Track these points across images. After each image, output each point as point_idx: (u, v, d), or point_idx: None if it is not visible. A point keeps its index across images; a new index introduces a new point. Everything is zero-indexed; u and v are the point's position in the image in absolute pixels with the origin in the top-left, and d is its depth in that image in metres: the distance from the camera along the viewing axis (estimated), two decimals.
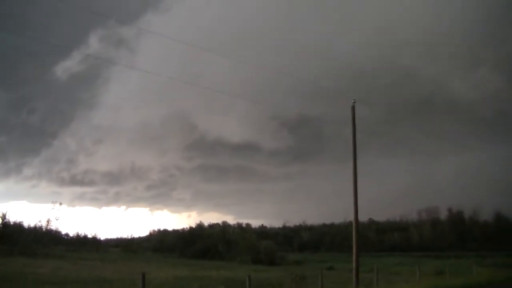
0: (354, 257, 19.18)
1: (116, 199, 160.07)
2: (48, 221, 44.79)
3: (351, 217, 19.72)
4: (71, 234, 58.70)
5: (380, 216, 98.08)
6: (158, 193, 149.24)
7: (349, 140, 21.14)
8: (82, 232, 57.24)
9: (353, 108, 22.92)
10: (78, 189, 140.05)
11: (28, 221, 47.50)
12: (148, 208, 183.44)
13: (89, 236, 57.65)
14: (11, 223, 41.97)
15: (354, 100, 23.64)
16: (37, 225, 44.71)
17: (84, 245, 54.09)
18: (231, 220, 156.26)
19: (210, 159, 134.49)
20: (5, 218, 40.94)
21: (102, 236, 67.56)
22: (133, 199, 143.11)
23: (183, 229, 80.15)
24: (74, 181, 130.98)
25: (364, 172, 23.51)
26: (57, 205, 44.93)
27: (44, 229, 45.06)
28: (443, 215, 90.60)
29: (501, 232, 74.56)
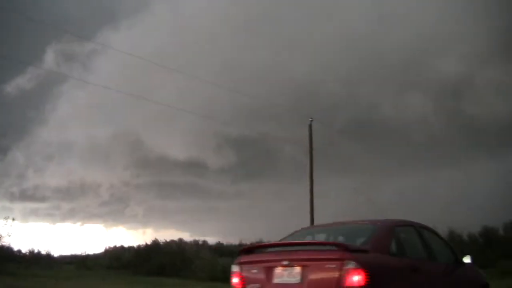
0: None
1: (71, 215, 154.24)
2: None
3: None
4: (23, 251, 57.10)
5: None
6: (111, 209, 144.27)
7: (298, 159, 21.81)
8: (35, 249, 55.85)
9: (310, 126, 22.71)
10: (30, 205, 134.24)
11: None
12: (103, 225, 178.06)
13: (43, 252, 56.28)
14: None
15: (311, 118, 23.19)
16: None
17: (38, 262, 52.76)
18: (188, 237, 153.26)
19: (160, 176, 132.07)
20: None
21: (56, 252, 65.73)
22: (88, 216, 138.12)
23: (138, 246, 78.93)
24: (25, 197, 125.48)
25: (317, 191, 24.34)
26: (10, 220, 43.78)
27: None
28: None
29: None
